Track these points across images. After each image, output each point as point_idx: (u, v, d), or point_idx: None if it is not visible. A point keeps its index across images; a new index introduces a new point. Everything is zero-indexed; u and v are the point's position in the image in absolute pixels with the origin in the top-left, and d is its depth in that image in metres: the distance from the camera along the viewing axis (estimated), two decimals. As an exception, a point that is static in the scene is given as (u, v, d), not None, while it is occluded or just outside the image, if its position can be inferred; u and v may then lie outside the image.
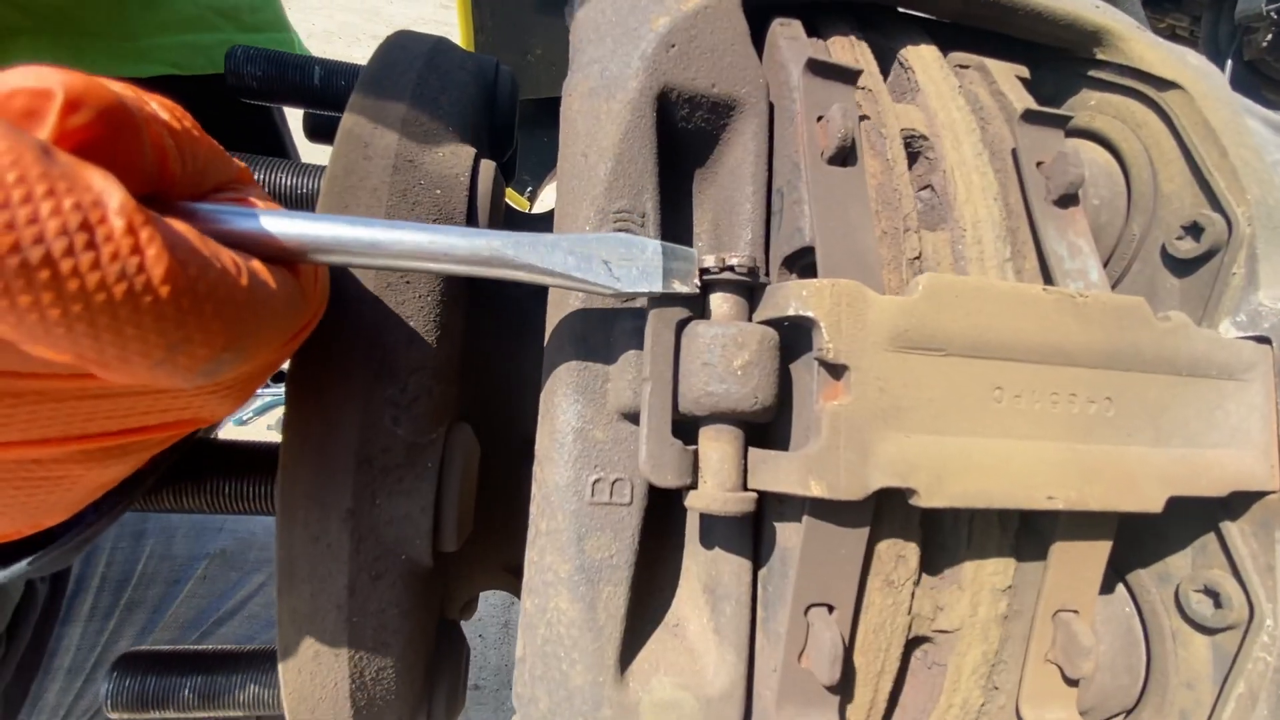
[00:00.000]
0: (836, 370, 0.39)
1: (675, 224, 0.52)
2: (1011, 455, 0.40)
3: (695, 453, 0.41)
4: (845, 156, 0.45)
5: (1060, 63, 0.63)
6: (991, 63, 0.58)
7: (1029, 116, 0.51)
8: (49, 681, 1.00)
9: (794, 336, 0.42)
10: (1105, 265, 0.59)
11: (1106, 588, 0.54)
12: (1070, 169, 0.48)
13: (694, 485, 0.41)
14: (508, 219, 0.64)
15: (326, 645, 0.51)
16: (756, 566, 0.45)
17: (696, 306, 0.43)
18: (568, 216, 0.46)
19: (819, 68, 0.46)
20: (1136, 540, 0.52)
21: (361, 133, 0.53)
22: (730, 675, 0.43)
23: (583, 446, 0.42)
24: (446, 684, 0.58)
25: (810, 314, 0.38)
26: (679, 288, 0.40)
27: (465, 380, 0.55)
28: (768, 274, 0.48)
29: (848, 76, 0.47)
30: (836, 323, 0.38)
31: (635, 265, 0.39)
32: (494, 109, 0.68)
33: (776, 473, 0.39)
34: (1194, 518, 0.48)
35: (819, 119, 0.46)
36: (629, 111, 0.46)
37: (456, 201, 0.54)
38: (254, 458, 0.55)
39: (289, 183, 0.59)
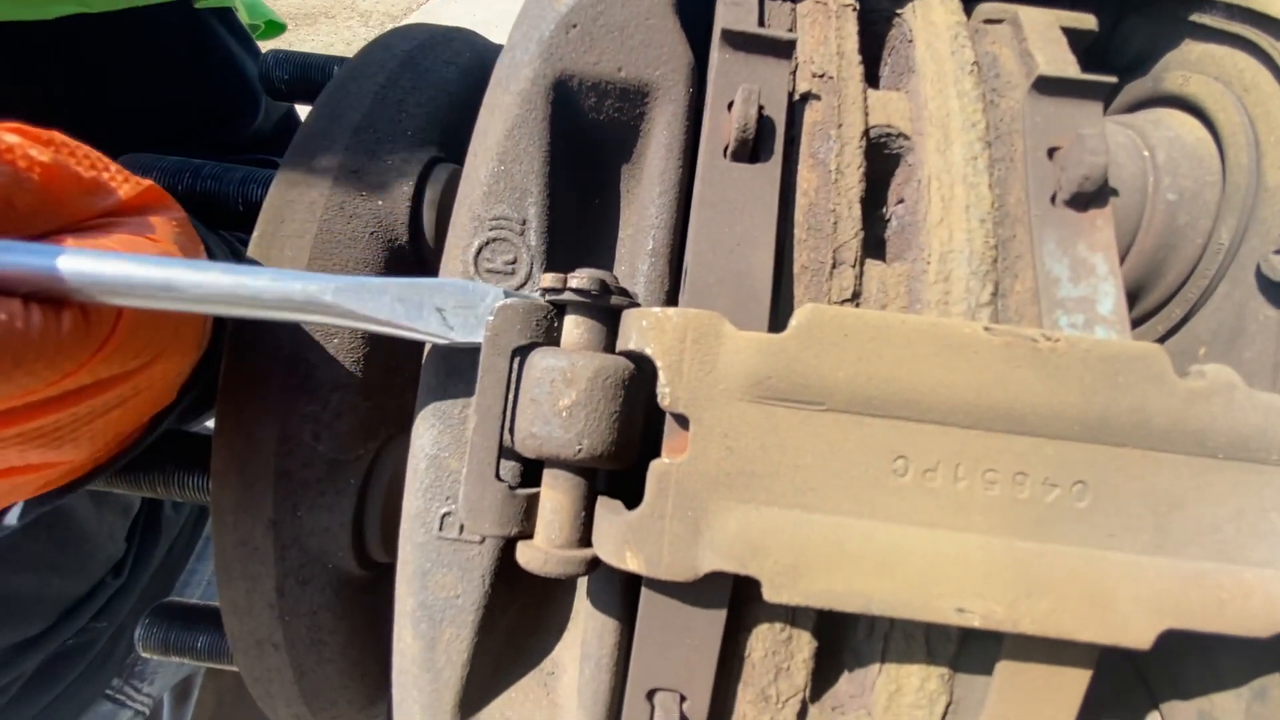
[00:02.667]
0: (682, 420, 0.32)
1: (595, 227, 0.46)
2: (909, 546, 0.30)
3: (534, 498, 0.36)
4: (753, 151, 0.36)
5: (1158, 3, 0.47)
6: (1029, 11, 0.44)
7: (1042, 85, 0.38)
8: None
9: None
10: (1182, 286, 0.44)
11: (1136, 713, 0.40)
12: (1086, 156, 0.35)
13: (529, 534, 0.36)
14: None
15: (265, 637, 0.54)
16: (634, 627, 0.39)
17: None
18: (453, 226, 0.42)
19: (737, 39, 0.38)
20: (1172, 658, 0.38)
21: (308, 147, 0.52)
22: (581, 745, 0.39)
23: (435, 475, 0.39)
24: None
25: (647, 350, 0.31)
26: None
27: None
28: (675, 288, 0.41)
29: (775, 48, 0.38)
30: (677, 363, 0.31)
31: (472, 313, 0.36)
32: None
33: (601, 534, 0.33)
34: (1252, 651, 0.34)
35: (730, 106, 0.37)
36: (517, 104, 0.41)
37: (399, 209, 0.53)
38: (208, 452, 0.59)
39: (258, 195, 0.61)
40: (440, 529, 0.39)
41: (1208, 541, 0.30)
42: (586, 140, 0.44)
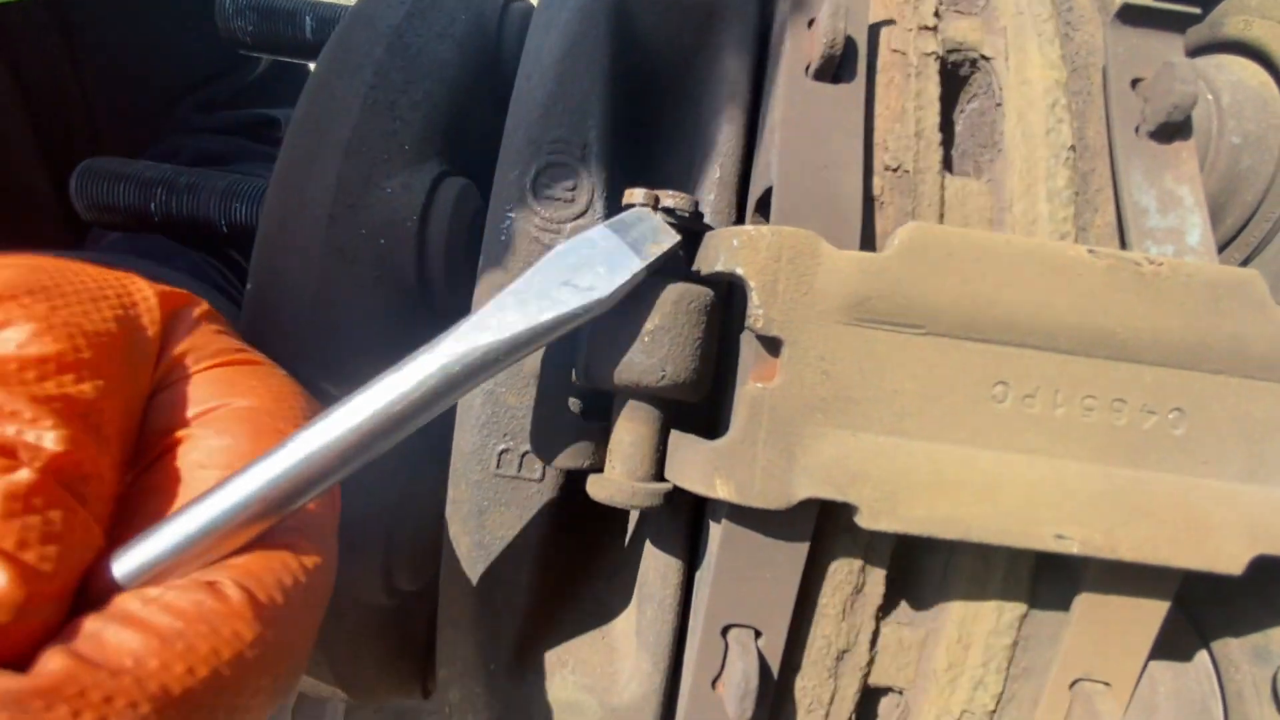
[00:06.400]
0: (772, 344, 0.30)
1: (649, 156, 0.44)
2: (1008, 474, 0.30)
3: (605, 430, 0.35)
4: (836, 70, 0.35)
5: (1219, -52, 0.47)
6: (1099, -52, 0.43)
7: (1127, 14, 0.37)
8: None
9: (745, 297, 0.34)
10: (1242, 229, 0.44)
11: (1183, 653, 0.41)
12: (1176, 86, 0.34)
13: (598, 467, 0.35)
14: None
15: None
16: (694, 567, 0.38)
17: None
18: (505, 150, 0.40)
19: (818, -45, 0.36)
20: (1228, 597, 0.38)
21: (294, 178, 0.42)
22: (643, 686, 0.38)
23: (492, 411, 0.37)
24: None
25: (739, 271, 0.30)
26: (658, 250, 0.32)
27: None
28: (740, 219, 0.40)
29: (857, -35, 0.36)
30: (772, 283, 0.29)
31: (599, 264, 0.31)
32: (500, 60, 0.52)
33: (683, 464, 0.32)
34: (1317, 583, 0.35)
35: (810, 23, 0.36)
36: (577, 20, 0.39)
37: (403, 250, 0.42)
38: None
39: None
40: (498, 466, 0.37)
41: (1300, 469, 0.30)
42: (644, 62, 0.42)
